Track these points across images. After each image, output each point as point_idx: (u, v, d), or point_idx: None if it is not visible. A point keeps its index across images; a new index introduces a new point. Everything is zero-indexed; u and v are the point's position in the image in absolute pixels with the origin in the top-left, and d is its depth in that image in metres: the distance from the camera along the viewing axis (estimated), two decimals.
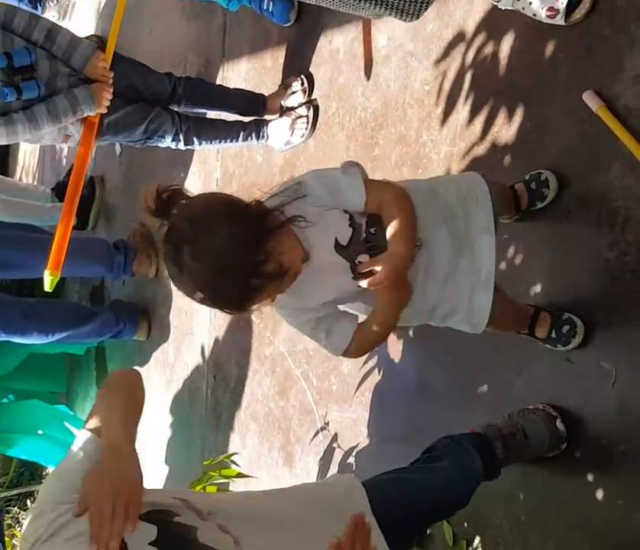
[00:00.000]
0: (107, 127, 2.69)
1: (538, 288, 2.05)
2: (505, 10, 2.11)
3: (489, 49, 2.24)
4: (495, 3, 2.13)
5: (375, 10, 2.17)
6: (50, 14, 5.21)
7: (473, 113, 2.27)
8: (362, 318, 1.62)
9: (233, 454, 2.92)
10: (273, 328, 3.06)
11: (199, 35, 3.65)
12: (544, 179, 1.99)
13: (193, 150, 3.23)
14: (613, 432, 1.86)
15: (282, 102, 2.98)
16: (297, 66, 3.00)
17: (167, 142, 2.86)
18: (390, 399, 2.51)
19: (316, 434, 2.80)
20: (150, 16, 4.08)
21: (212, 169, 3.50)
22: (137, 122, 2.75)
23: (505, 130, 2.16)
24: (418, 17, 1.93)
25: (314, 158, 2.89)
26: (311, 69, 2.94)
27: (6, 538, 4.54)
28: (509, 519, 2.08)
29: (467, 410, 2.21)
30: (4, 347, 3.95)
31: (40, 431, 4.12)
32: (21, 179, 5.80)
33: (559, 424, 1.93)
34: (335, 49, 2.82)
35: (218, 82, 3.41)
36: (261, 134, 3.00)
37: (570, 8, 1.95)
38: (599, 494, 1.88)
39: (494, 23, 2.22)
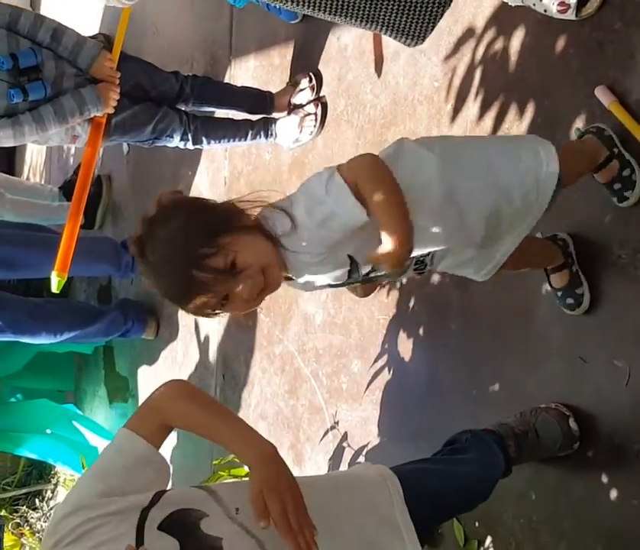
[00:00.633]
0: (115, 128, 2.68)
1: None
2: (516, 6, 2.10)
3: (499, 45, 2.22)
4: (505, 0, 2.11)
5: (376, 29, 2.04)
6: None
7: (484, 109, 2.25)
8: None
9: (238, 456, 2.90)
10: (282, 326, 3.06)
11: (206, 33, 3.64)
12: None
13: (201, 149, 3.22)
14: (627, 431, 1.84)
15: (290, 100, 2.97)
16: (305, 64, 2.99)
17: (175, 142, 2.85)
18: (400, 398, 2.50)
19: (326, 433, 2.79)
20: (156, 14, 4.07)
21: (220, 168, 3.49)
22: (145, 122, 2.74)
23: (516, 126, 2.14)
24: (423, 40, 1.79)
25: (322, 156, 2.88)
26: (319, 67, 2.92)
27: (14, 538, 4.56)
28: (520, 518, 2.07)
29: (478, 408, 2.20)
30: (13, 346, 3.96)
31: (48, 431, 4.13)
32: (28, 178, 5.81)
33: (572, 423, 1.91)
34: (344, 46, 2.80)
35: (226, 80, 3.41)
36: (269, 132, 2.99)
37: (581, 3, 1.93)
38: (613, 494, 1.86)
39: (504, 19, 2.20)
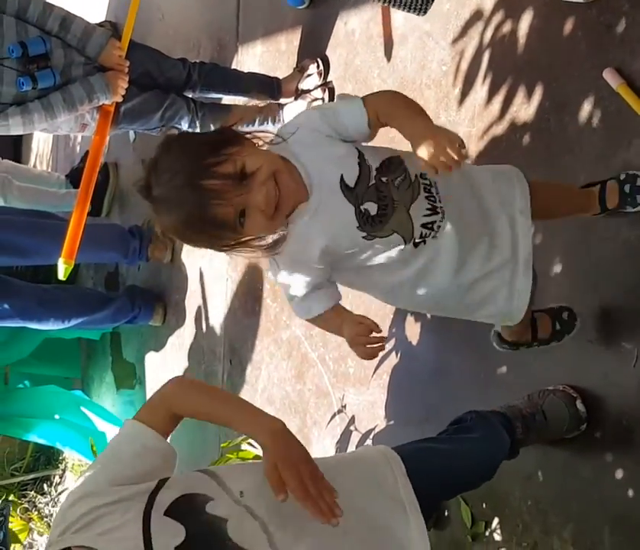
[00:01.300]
0: (123, 116, 2.69)
1: (558, 267, 2.03)
2: None
3: (506, 28, 2.22)
4: None
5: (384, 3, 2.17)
6: None
7: (492, 93, 2.25)
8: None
9: (250, 436, 2.92)
10: (289, 311, 3.06)
11: (212, 19, 3.64)
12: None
13: None
14: (634, 412, 1.85)
15: (297, 85, 2.97)
16: (312, 49, 2.99)
17: (183, 129, 2.86)
18: (408, 382, 2.51)
19: (333, 417, 2.80)
20: (162, 0, 4.07)
21: None
22: (154, 109, 2.75)
23: (524, 109, 2.14)
24: (425, 12, 1.94)
25: None
26: (326, 52, 2.92)
27: (23, 522, 4.60)
28: (528, 500, 2.08)
29: (485, 391, 2.21)
30: (21, 333, 3.99)
31: (57, 416, 4.15)
32: (35, 166, 5.82)
33: (579, 405, 1.92)
34: (351, 30, 2.80)
35: (233, 66, 3.41)
36: (277, 118, 2.99)
37: None
38: (620, 475, 1.87)
39: (512, 1, 2.20)
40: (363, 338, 1.46)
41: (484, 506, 2.18)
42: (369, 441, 2.60)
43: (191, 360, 3.74)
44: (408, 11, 2.03)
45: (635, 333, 1.85)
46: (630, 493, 1.85)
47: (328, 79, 2.91)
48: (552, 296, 2.00)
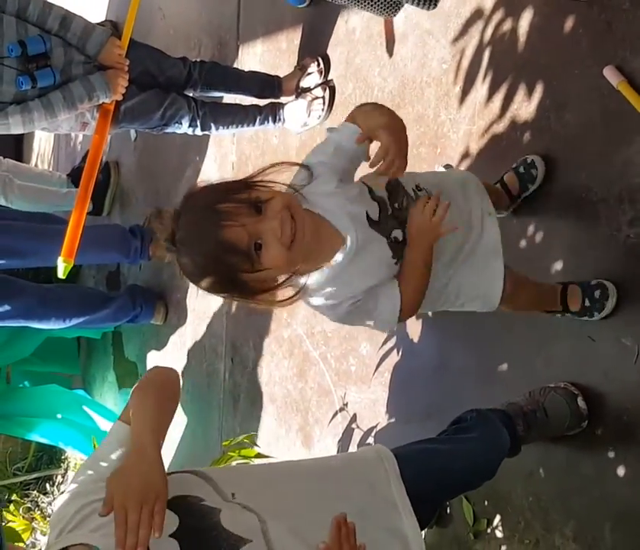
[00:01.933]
0: (123, 114, 2.69)
1: (559, 265, 2.04)
2: None
3: (507, 26, 2.22)
4: None
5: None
6: None
7: (492, 91, 2.25)
8: None
9: (252, 435, 2.93)
10: (290, 310, 3.07)
11: (213, 18, 3.64)
12: (530, 162, 2.05)
13: (209, 135, 3.23)
14: (635, 409, 1.85)
15: (298, 84, 2.97)
16: (313, 47, 2.99)
17: (184, 128, 2.86)
18: (409, 379, 2.52)
19: (335, 415, 2.80)
20: None
21: (228, 153, 3.50)
22: (154, 108, 2.75)
23: (525, 107, 2.14)
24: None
25: None
26: (327, 50, 2.92)
27: (25, 522, 4.60)
28: (529, 497, 2.08)
29: (486, 389, 2.21)
30: (23, 332, 3.99)
31: (59, 415, 4.15)
32: (36, 165, 5.83)
33: (580, 402, 1.92)
34: (351, 29, 2.80)
35: (233, 65, 3.40)
36: (277, 117, 2.99)
37: None
38: (621, 471, 1.88)
39: None
40: (436, 218, 1.49)
41: (486, 503, 2.19)
42: (370, 439, 2.61)
43: (192, 359, 3.75)
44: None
45: (635, 330, 1.86)
46: (631, 489, 1.85)
47: (329, 78, 2.91)
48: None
